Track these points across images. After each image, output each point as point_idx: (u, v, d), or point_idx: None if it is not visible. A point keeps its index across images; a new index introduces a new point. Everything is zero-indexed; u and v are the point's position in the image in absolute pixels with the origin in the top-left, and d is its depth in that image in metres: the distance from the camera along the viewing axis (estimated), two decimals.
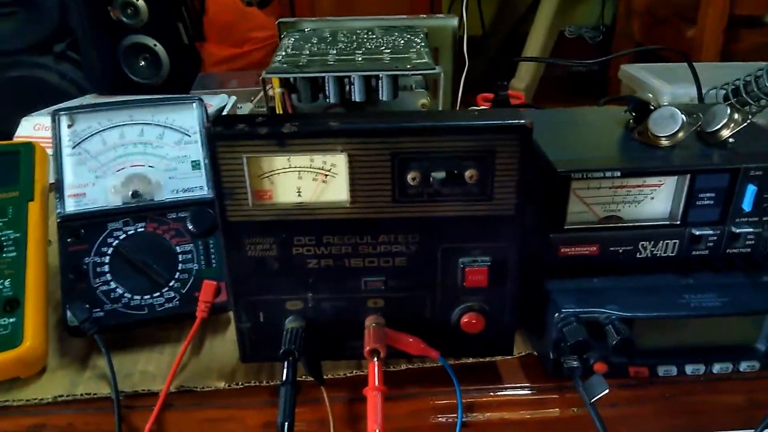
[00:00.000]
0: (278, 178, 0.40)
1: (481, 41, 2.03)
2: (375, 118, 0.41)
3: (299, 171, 0.40)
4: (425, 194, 0.41)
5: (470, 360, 0.49)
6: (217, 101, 0.85)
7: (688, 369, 0.46)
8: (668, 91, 0.87)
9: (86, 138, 0.54)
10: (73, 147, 0.54)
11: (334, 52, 0.59)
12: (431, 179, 0.40)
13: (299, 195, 0.41)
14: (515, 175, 0.40)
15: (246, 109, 0.98)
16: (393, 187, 0.40)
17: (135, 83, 1.49)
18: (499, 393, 0.47)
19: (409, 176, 0.40)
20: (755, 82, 0.74)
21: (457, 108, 1.09)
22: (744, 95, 0.76)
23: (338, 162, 0.40)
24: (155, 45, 1.49)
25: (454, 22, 0.69)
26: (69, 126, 0.54)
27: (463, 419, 0.46)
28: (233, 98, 0.88)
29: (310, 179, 0.41)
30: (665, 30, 1.45)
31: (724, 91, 0.78)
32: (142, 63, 1.51)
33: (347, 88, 0.56)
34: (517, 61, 1.67)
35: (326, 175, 0.40)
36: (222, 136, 0.39)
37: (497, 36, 2.13)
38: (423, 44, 0.61)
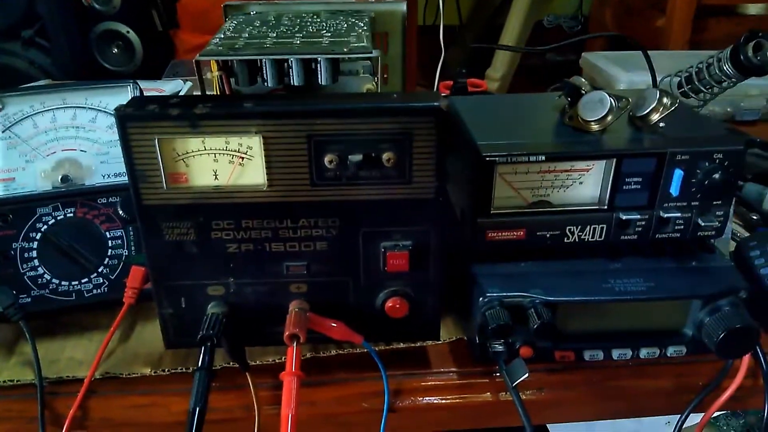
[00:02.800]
0: (193, 161, 0.40)
1: (458, 30, 2.02)
2: (290, 100, 0.40)
3: (215, 153, 0.40)
4: (343, 177, 0.40)
5: (401, 345, 0.48)
6: (171, 86, 0.83)
7: (615, 354, 0.46)
8: (625, 78, 0.87)
9: (17, 122, 0.53)
10: (3, 131, 0.53)
11: (274, 35, 0.58)
12: (348, 162, 0.39)
13: (216, 178, 0.40)
14: (433, 158, 0.40)
15: None
16: (310, 170, 0.40)
17: (107, 70, 1.47)
18: (426, 378, 0.47)
19: (326, 159, 0.39)
20: (707, 70, 0.74)
21: None
22: (696, 83, 0.76)
23: (254, 144, 0.39)
24: (128, 32, 1.47)
25: (403, 6, 0.68)
26: (0, 109, 0.53)
27: (390, 404, 0.45)
28: (189, 84, 0.86)
29: (226, 162, 0.40)
30: (636, 19, 1.44)
31: (678, 79, 0.78)
32: (115, 50, 1.49)
33: (287, 71, 0.56)
34: (480, 48, 1.66)
35: (242, 158, 0.40)
36: (132, 117, 0.38)
37: (474, 26, 2.12)
38: (365, 28, 0.60)
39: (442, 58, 1.26)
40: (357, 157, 0.39)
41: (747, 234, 0.62)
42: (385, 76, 0.73)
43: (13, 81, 1.35)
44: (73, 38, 1.44)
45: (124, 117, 0.38)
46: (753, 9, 1.40)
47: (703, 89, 0.75)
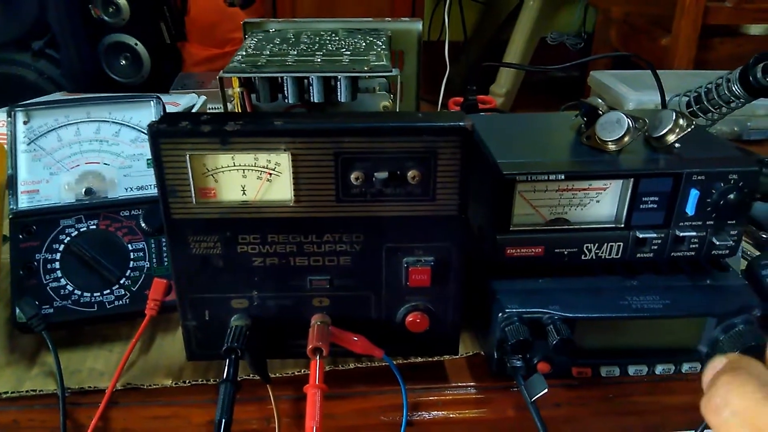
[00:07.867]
0: (222, 176, 0.41)
1: (463, 46, 2.04)
2: (318, 118, 0.41)
3: (243, 169, 0.41)
4: (368, 194, 0.41)
5: (418, 359, 0.49)
6: (185, 100, 0.84)
7: (631, 370, 0.47)
8: (634, 97, 0.88)
9: (42, 135, 0.54)
10: (28, 143, 0.54)
11: (295, 52, 0.59)
12: (374, 179, 0.40)
13: (243, 193, 0.41)
14: (457, 176, 0.40)
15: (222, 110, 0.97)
16: (336, 187, 0.41)
17: (115, 82, 1.48)
18: (445, 392, 0.48)
19: (353, 176, 0.40)
20: (715, 90, 0.75)
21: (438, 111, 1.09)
22: (705, 103, 0.77)
23: (282, 161, 0.40)
24: (136, 44, 1.49)
25: (419, 25, 0.69)
26: (25, 122, 0.54)
27: (409, 418, 0.46)
28: (203, 98, 0.87)
29: (254, 178, 0.41)
30: (641, 38, 1.46)
31: (687, 98, 0.80)
32: (123, 62, 1.50)
33: (307, 89, 0.57)
34: (487, 66, 1.68)
35: (270, 174, 0.41)
36: (165, 133, 0.39)
37: (479, 42, 2.14)
38: (384, 47, 0.61)
39: (446, 73, 1.27)
40: (383, 175, 0.40)
41: (757, 252, 0.63)
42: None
43: (22, 91, 1.36)
44: (82, 49, 1.45)
45: (157, 133, 0.39)
46: (755, 30, 1.42)
47: (711, 109, 0.77)
